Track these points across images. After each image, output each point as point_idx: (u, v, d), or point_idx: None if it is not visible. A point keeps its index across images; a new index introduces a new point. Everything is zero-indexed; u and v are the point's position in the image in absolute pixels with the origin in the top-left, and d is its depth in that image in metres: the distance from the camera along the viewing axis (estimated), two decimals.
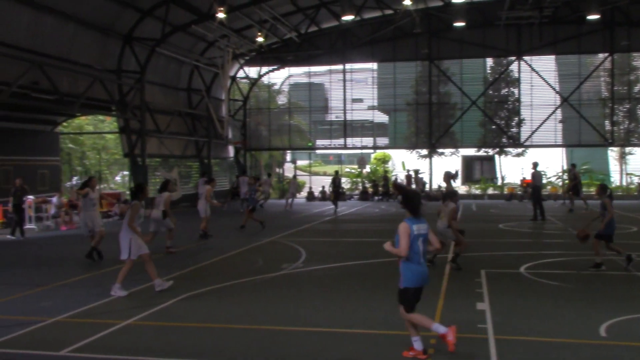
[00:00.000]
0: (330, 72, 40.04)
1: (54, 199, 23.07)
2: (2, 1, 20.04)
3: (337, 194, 29.67)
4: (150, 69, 28.52)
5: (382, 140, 41.53)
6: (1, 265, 12.93)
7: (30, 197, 21.75)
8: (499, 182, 39.99)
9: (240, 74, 39.48)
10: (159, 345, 7.40)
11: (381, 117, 42.28)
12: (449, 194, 13.04)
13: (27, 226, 21.16)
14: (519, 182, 38.44)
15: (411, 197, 6.94)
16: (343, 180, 42.36)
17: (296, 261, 13.63)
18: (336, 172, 32.16)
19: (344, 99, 39.64)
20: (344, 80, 39.50)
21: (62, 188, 27.64)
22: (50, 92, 21.88)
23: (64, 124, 32.24)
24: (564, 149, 38.23)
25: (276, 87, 42.61)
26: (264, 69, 39.92)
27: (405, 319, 6.84)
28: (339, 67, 39.36)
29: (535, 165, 23.82)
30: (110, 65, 26.57)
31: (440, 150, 38.78)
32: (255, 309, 9.22)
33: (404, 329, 7.06)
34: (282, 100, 42.84)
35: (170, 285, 10.40)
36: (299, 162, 53.24)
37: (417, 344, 6.75)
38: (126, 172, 38.72)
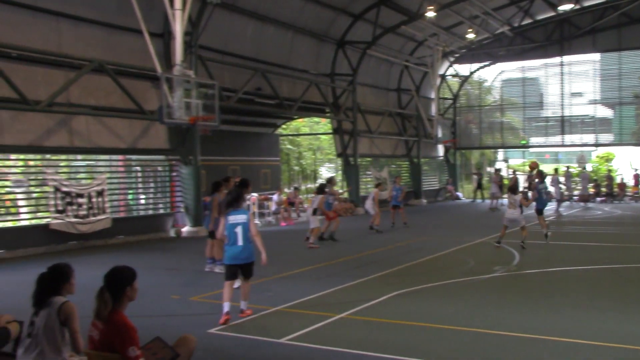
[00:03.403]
0: (546, 65, 37.93)
1: (275, 197, 24.72)
2: (231, 15, 21.97)
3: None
4: (362, 71, 29.37)
5: (606, 137, 38.25)
6: None
7: (254, 194, 23.57)
8: None
9: (450, 71, 39.00)
10: (369, 340, 7.55)
11: (604, 112, 39.02)
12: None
13: None
14: None
15: (228, 195, 8.89)
16: (561, 179, 39.80)
17: (509, 264, 13.12)
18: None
19: (562, 94, 37.28)
20: (562, 74, 37.13)
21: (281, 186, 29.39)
22: (272, 97, 23.59)
23: (283, 126, 34.39)
24: None
25: (487, 83, 41.40)
26: (475, 66, 39.01)
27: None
28: (556, 60, 37.03)
29: None
30: (324, 69, 27.84)
31: None
32: (465, 310, 9.04)
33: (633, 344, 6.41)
34: (493, 97, 41.51)
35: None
36: (512, 162, 51.09)
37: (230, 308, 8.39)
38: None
